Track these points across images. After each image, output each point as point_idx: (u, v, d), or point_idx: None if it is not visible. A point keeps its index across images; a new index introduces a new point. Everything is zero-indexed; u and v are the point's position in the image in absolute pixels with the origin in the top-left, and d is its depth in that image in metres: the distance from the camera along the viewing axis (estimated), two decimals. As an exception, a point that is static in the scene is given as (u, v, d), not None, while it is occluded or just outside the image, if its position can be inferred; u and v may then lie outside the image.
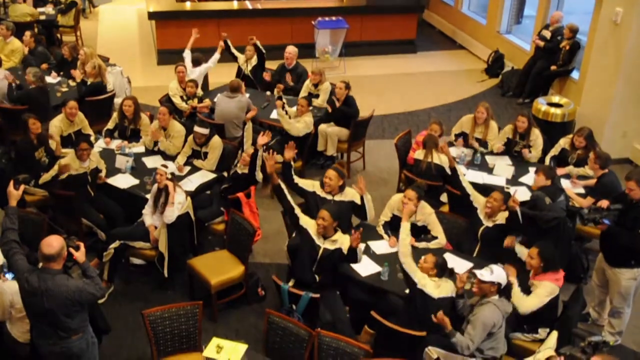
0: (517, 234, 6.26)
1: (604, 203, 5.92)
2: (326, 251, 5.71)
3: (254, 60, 9.75)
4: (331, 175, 6.33)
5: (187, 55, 9.56)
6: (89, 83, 9.03)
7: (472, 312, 5.09)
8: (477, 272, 5.09)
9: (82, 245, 4.70)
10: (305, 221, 5.89)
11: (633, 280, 5.89)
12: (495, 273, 5.01)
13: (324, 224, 5.67)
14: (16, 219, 4.78)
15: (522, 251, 6.04)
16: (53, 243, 4.49)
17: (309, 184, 6.51)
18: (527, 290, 5.45)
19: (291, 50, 9.60)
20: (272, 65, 10.09)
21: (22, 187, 4.94)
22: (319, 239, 5.76)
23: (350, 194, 6.45)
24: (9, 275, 5.11)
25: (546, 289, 5.37)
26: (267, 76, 9.60)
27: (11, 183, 4.86)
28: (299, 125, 8.10)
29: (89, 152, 6.91)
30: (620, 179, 6.95)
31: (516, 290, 5.43)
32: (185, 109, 8.70)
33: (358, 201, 6.40)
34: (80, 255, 4.63)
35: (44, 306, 4.51)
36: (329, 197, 6.39)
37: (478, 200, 6.39)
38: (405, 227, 5.44)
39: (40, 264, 4.56)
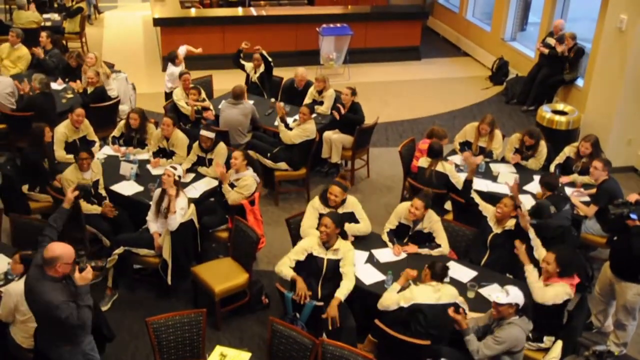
0: (525, 241, 6.25)
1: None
2: (330, 261, 5.71)
3: (261, 68, 9.79)
4: (336, 192, 6.31)
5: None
6: (89, 92, 9.06)
7: (498, 326, 5.05)
8: (493, 295, 5.06)
9: (89, 269, 4.48)
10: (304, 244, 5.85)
11: (639, 296, 5.85)
12: (511, 294, 4.96)
13: (327, 231, 5.67)
14: (61, 221, 5.10)
15: (539, 252, 5.90)
16: (54, 249, 4.46)
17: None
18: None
19: (301, 74, 9.58)
20: (278, 72, 10.10)
21: (76, 192, 5.42)
22: (320, 250, 5.73)
23: (351, 205, 6.45)
24: None
25: (564, 288, 5.36)
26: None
27: (71, 188, 5.45)
28: (291, 133, 8.08)
29: (89, 161, 6.86)
30: (624, 187, 6.94)
31: (535, 276, 5.42)
32: (190, 112, 8.73)
33: (357, 212, 6.45)
34: (79, 277, 4.43)
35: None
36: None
37: (487, 209, 6.38)
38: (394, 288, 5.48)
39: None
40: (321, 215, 6.26)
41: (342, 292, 5.58)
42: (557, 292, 5.35)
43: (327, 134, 8.68)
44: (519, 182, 6.42)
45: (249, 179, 6.91)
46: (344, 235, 6.01)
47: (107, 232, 6.85)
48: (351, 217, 6.44)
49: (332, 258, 5.72)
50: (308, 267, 5.75)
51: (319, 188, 8.79)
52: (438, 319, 5.19)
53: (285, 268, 5.74)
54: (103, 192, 7.05)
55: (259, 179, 7.13)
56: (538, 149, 7.78)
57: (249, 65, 9.84)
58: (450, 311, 5.17)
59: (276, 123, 8.37)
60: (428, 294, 5.24)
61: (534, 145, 7.76)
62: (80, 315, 4.42)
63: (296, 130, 8.12)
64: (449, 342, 5.29)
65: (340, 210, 6.35)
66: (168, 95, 9.58)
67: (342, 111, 8.58)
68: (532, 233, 5.97)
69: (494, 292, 5.19)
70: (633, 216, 5.61)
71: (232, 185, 6.96)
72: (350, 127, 8.61)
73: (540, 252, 5.85)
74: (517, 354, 5.06)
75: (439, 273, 5.36)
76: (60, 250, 4.46)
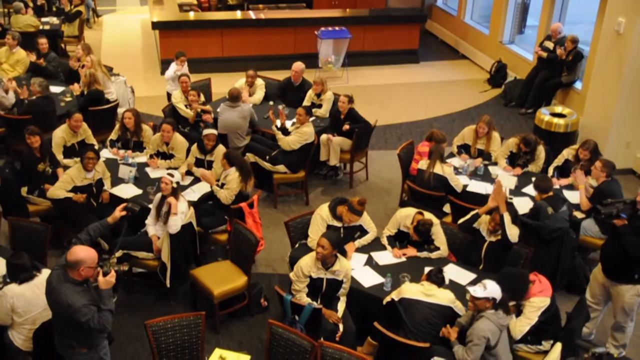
0: (520, 245, 6.25)
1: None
2: (329, 281, 5.66)
3: (258, 93, 9.59)
4: (353, 218, 6.31)
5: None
6: (85, 93, 9.06)
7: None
8: (471, 288, 5.10)
9: (113, 273, 4.55)
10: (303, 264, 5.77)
11: (637, 296, 5.83)
12: (488, 288, 5.01)
13: (323, 252, 5.54)
14: (99, 232, 5.25)
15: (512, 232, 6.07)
16: (77, 252, 4.48)
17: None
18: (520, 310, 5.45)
19: (298, 67, 9.57)
20: (277, 75, 10.09)
21: (123, 212, 5.51)
22: (319, 271, 5.65)
23: (360, 218, 6.43)
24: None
25: (532, 306, 5.38)
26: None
27: (120, 207, 5.52)
28: (289, 138, 8.07)
29: (95, 162, 6.92)
30: (623, 190, 6.94)
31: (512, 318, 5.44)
32: (189, 115, 8.73)
33: (365, 223, 6.46)
34: (103, 281, 4.50)
35: (51, 304, 4.55)
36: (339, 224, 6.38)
37: (479, 221, 6.35)
38: None
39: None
40: (329, 227, 6.26)
41: (340, 312, 5.68)
42: (527, 318, 5.38)
43: (325, 137, 8.67)
44: (502, 184, 6.44)
45: (232, 173, 6.96)
46: (343, 253, 5.94)
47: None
48: (360, 229, 6.48)
49: (331, 278, 5.67)
50: (308, 286, 5.70)
51: (317, 191, 8.80)
52: (429, 316, 5.23)
53: (304, 298, 5.67)
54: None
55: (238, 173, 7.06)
56: (536, 153, 7.79)
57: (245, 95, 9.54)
58: (444, 330, 5.22)
59: (273, 127, 8.36)
60: (416, 291, 5.31)
61: (530, 151, 7.77)
62: (100, 319, 4.48)
63: (294, 135, 8.11)
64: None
65: (349, 224, 6.38)
66: (170, 96, 9.55)
67: (346, 127, 8.54)
68: (507, 217, 6.01)
69: (471, 286, 5.21)
70: (624, 215, 5.58)
71: (222, 186, 7.00)
72: (349, 130, 8.60)
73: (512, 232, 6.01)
74: (493, 349, 5.04)
75: (435, 277, 5.41)
76: (84, 254, 4.48)
